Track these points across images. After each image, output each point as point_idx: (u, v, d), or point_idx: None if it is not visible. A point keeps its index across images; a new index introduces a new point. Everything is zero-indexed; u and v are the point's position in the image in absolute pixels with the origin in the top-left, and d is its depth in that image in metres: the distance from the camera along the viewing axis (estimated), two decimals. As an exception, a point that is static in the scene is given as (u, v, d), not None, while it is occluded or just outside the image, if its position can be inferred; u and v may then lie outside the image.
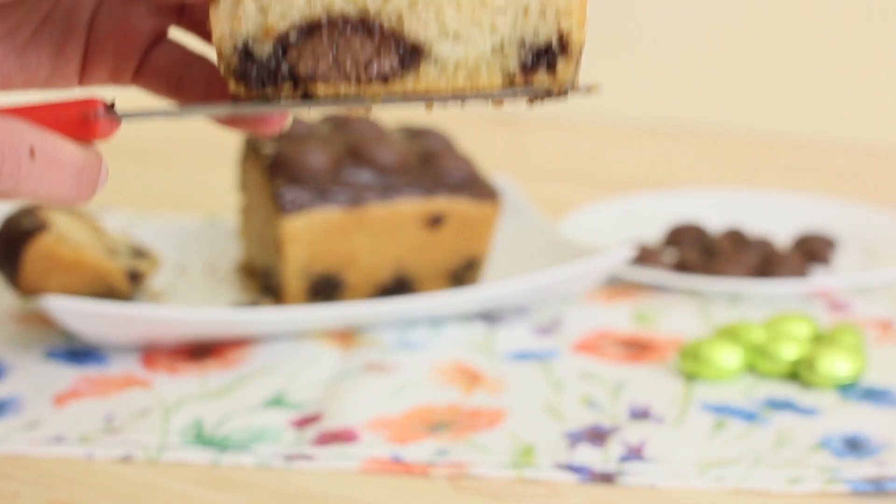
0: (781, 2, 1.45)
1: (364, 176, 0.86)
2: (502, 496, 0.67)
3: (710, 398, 0.76)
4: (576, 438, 0.71)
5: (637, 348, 0.84)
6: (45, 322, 0.85)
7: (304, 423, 0.73)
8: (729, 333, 0.82)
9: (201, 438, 0.71)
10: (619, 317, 0.89)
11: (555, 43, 0.45)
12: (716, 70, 1.48)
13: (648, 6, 1.50)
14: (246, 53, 0.46)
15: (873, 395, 0.77)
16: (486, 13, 0.45)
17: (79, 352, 0.82)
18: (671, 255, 1.00)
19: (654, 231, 1.06)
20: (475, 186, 0.89)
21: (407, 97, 0.46)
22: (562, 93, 0.46)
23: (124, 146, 1.36)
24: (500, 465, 0.69)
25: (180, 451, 0.70)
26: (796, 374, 0.79)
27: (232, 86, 0.47)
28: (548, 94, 0.46)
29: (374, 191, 0.86)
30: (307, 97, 0.46)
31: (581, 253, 0.90)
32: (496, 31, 0.46)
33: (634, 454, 0.70)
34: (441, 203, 0.87)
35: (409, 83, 0.46)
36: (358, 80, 0.46)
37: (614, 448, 0.70)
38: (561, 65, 0.46)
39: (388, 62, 0.46)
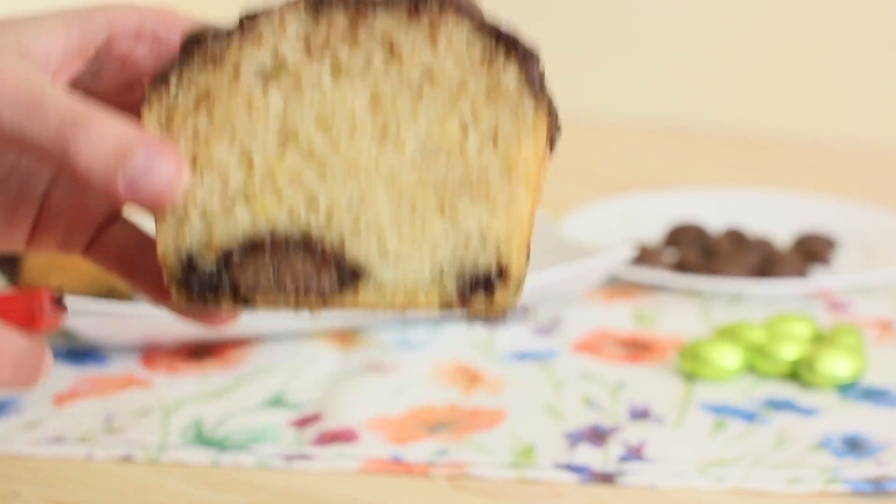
0: (781, 2, 1.45)
1: (364, 176, 0.86)
2: (502, 496, 0.67)
3: (710, 398, 0.76)
4: (576, 438, 0.71)
5: (637, 348, 0.84)
6: (45, 322, 0.85)
7: (304, 423, 0.73)
8: (729, 333, 0.82)
9: (201, 438, 0.71)
10: (619, 317, 0.89)
11: (493, 272, 0.46)
12: (716, 70, 1.48)
13: (649, 6, 1.50)
14: (189, 265, 0.48)
15: (873, 395, 0.77)
16: (427, 242, 0.46)
17: (79, 352, 0.82)
18: (671, 255, 1.00)
19: (654, 231, 1.06)
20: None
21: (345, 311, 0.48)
22: (498, 317, 0.47)
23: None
24: (500, 465, 0.69)
25: (180, 451, 0.70)
26: (796, 374, 0.79)
27: (174, 294, 0.48)
28: (484, 316, 0.47)
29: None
30: (246, 306, 0.48)
31: (581, 253, 0.90)
32: (436, 259, 0.47)
33: (634, 454, 0.70)
34: (441, 203, 0.87)
35: (347, 301, 0.47)
36: (296, 295, 0.47)
37: (614, 448, 0.70)
38: (499, 292, 0.46)
39: (328, 281, 0.47)
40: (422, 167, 0.46)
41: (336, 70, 0.47)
